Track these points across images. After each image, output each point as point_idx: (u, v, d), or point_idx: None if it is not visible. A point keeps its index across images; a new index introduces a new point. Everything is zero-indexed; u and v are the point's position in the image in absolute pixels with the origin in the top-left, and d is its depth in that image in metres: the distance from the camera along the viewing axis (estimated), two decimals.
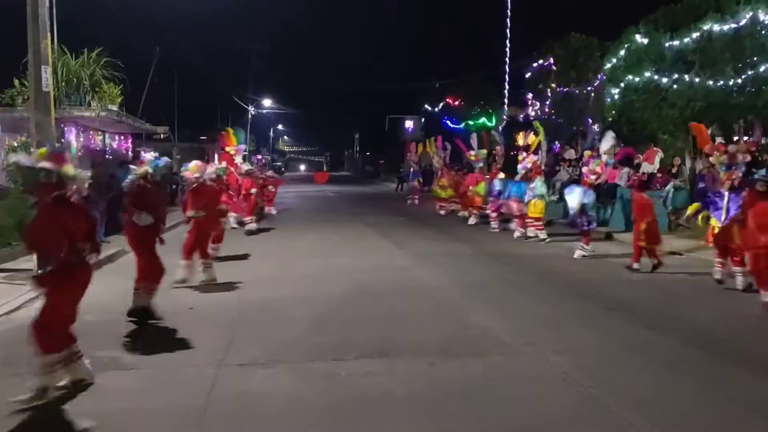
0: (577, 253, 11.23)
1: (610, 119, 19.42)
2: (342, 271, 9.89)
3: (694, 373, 5.23)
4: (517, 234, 13.89)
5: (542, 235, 13.34)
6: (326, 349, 5.81)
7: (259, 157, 36.48)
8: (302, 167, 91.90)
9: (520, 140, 15.09)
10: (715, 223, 8.96)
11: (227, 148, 15.79)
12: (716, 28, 14.97)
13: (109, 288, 8.49)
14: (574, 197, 11.25)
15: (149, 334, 6.37)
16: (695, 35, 15.36)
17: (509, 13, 34.16)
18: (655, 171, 14.83)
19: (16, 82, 12.92)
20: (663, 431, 4.13)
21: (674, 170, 15.39)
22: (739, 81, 14.50)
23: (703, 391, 4.84)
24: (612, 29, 19.75)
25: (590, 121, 22.51)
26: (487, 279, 9.32)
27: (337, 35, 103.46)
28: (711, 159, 9.40)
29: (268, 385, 4.93)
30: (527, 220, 13.59)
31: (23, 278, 8.85)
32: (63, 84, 12.99)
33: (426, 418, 4.31)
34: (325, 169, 72.78)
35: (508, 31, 34.25)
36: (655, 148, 15.39)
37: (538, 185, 13.44)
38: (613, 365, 5.41)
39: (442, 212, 19.56)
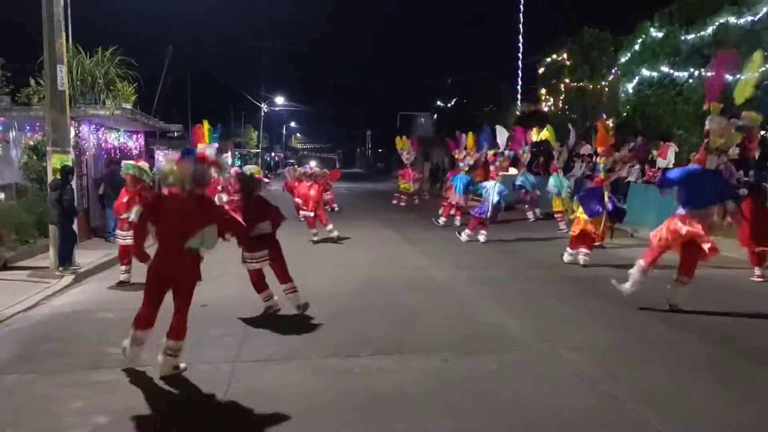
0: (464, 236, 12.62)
1: (625, 114, 19.25)
2: (355, 267, 9.90)
3: (711, 370, 5.17)
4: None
5: (562, 226, 14.21)
6: (340, 345, 5.81)
7: (272, 155, 36.58)
8: (313, 164, 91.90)
9: (534, 136, 15.09)
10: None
11: (199, 145, 12.23)
12: (732, 21, 14.77)
13: (125, 285, 8.56)
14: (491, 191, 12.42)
15: (164, 332, 6.39)
16: (711, 28, 15.16)
17: (522, 9, 34.03)
18: (670, 166, 14.69)
19: (32, 81, 13.04)
20: (680, 429, 4.09)
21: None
22: (756, 75, 14.29)
23: (721, 388, 4.78)
24: (626, 23, 19.57)
25: (604, 115, 22.35)
26: (500, 275, 9.29)
27: (349, 32, 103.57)
28: (599, 160, 10.39)
29: (283, 382, 4.94)
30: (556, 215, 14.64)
31: (40, 275, 8.99)
32: (78, 83, 13.07)
33: (440, 415, 4.30)
34: (337, 166, 72.87)
35: (520, 26, 34.13)
36: (668, 143, 15.24)
37: (552, 181, 13.72)
38: (629, 362, 5.36)
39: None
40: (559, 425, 4.15)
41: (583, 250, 9.88)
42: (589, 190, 10.04)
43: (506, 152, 13.74)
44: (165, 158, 5.19)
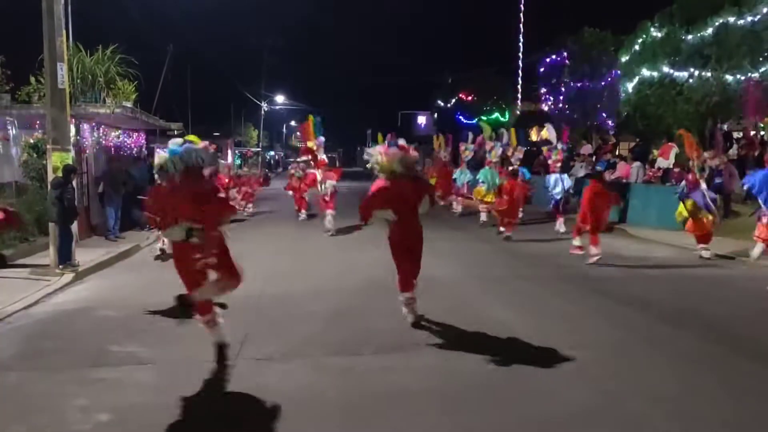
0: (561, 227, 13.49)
1: (625, 114, 19.26)
2: (357, 266, 9.90)
3: (712, 368, 5.18)
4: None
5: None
6: (343, 343, 5.82)
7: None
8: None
9: (534, 135, 15.11)
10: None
11: (308, 143, 14.68)
12: (733, 20, 14.77)
13: (126, 283, 8.57)
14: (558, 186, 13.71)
15: (166, 330, 6.41)
16: (712, 28, 15.16)
17: (522, 8, 34.02)
18: (671, 166, 14.68)
19: (32, 79, 13.01)
20: (681, 427, 4.09)
21: None
22: (757, 75, 14.30)
23: (722, 386, 4.78)
24: (627, 23, 19.56)
25: (605, 115, 22.36)
26: (502, 274, 9.30)
27: (349, 31, 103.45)
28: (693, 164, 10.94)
29: (285, 380, 4.94)
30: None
31: (41, 273, 8.99)
32: (78, 81, 13.06)
33: (443, 413, 4.30)
34: (337, 165, 72.82)
35: (521, 25, 34.11)
36: (670, 144, 15.23)
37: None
38: (630, 360, 5.37)
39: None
40: (561, 422, 4.15)
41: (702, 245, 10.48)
42: (691, 188, 10.69)
43: (559, 146, 14.26)
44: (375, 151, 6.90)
